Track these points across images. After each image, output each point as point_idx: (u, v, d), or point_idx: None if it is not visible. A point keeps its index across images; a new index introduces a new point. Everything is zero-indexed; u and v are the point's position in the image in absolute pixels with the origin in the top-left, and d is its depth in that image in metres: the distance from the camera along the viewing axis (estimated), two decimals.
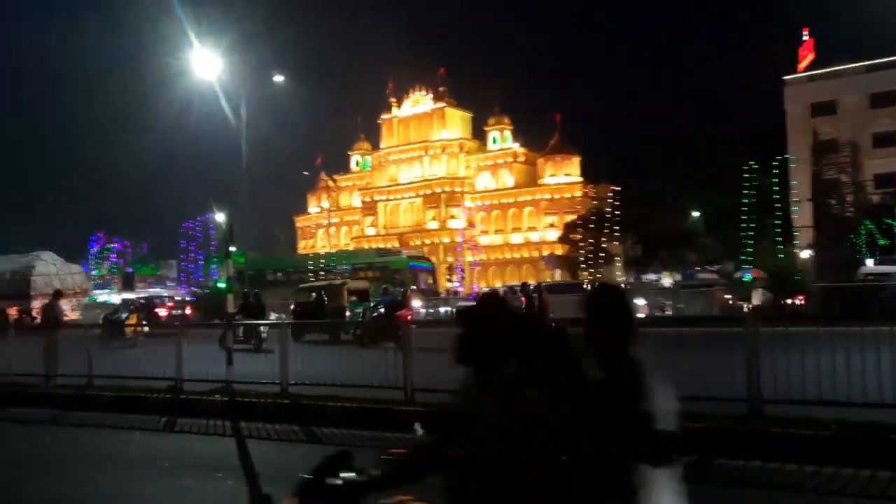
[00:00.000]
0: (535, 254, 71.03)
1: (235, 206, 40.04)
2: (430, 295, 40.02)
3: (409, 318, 18.61)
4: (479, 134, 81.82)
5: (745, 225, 46.96)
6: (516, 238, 75.56)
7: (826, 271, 37.69)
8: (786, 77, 58.80)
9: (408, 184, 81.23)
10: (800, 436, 7.13)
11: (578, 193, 72.88)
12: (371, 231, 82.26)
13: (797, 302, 27.94)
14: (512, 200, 76.37)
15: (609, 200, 70.10)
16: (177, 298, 42.23)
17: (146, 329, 22.28)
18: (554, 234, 69.60)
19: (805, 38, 59.21)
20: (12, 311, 35.45)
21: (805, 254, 47.29)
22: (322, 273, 44.21)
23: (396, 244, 66.78)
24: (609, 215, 61.67)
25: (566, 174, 74.25)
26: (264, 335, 16.93)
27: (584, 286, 31.06)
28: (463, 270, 69.87)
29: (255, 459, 7.98)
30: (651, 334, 10.02)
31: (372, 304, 23.88)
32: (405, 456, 2.61)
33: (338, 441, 8.71)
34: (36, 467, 8.17)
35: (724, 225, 48.26)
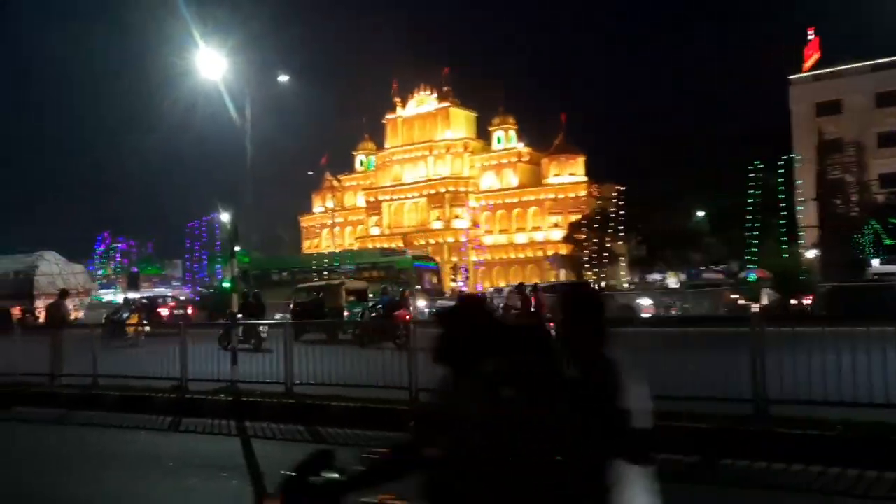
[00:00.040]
0: (540, 254, 70.96)
1: (240, 206, 40.06)
2: (435, 295, 40.01)
3: (407, 318, 18.68)
4: (483, 134, 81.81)
5: (749, 225, 46.85)
6: (521, 238, 75.51)
7: (831, 271, 37.60)
8: (791, 76, 58.66)
9: (412, 183, 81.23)
10: (805, 436, 7.11)
11: (583, 193, 72.79)
12: (375, 231, 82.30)
13: (805, 302, 27.84)
14: (516, 200, 76.31)
15: (614, 200, 70.04)
16: (180, 298, 42.27)
17: (147, 329, 22.38)
18: (558, 234, 69.54)
19: (810, 37, 59.11)
20: (16, 311, 35.58)
21: (810, 254, 47.17)
22: (326, 273, 44.22)
23: (401, 244, 66.83)
24: (614, 215, 61.62)
25: (571, 174, 74.18)
26: (264, 335, 16.99)
27: (588, 286, 30.99)
28: (467, 270, 69.86)
29: (261, 459, 7.99)
30: (657, 334, 10.07)
31: (370, 305, 23.99)
32: (384, 455, 2.63)
33: (342, 441, 8.72)
34: (42, 466, 8.19)
35: (728, 225, 48.14)
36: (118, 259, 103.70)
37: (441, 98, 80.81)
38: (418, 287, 39.16)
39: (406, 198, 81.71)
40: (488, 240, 77.46)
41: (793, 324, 9.32)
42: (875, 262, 38.25)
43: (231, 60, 20.21)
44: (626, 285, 47.60)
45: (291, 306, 25.97)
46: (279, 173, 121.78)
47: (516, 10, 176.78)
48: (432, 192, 78.97)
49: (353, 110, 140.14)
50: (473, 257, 76.66)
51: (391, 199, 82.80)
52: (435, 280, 45.59)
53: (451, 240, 76.73)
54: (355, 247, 75.61)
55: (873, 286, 26.17)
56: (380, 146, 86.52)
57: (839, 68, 56.10)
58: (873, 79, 54.63)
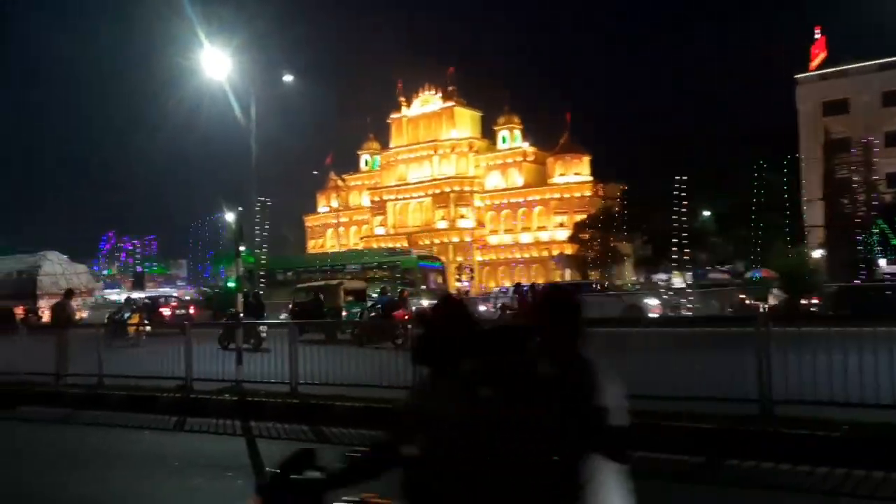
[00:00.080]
0: (545, 253, 70.94)
1: (245, 205, 40.12)
2: (440, 294, 39.95)
3: (406, 318, 18.76)
4: (488, 133, 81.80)
5: (755, 224, 46.72)
6: (526, 238, 75.45)
7: (838, 271, 37.46)
8: (797, 75, 58.44)
9: (417, 183, 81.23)
10: (811, 437, 7.08)
11: (588, 193, 72.70)
12: (380, 231, 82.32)
13: (814, 302, 27.72)
14: (521, 200, 76.25)
15: (619, 200, 69.96)
16: (185, 298, 42.36)
17: (148, 329, 22.47)
18: (564, 234, 69.48)
19: (817, 36, 58.86)
20: (19, 311, 35.69)
21: (817, 253, 46.99)
22: (331, 272, 44.23)
23: (405, 244, 66.80)
24: (619, 215, 61.49)
25: (576, 173, 74.08)
26: (263, 335, 17.05)
27: (594, 286, 30.94)
28: (472, 270, 69.83)
29: (265, 459, 7.98)
30: (664, 334, 10.03)
31: (369, 305, 24.07)
32: (364, 454, 2.68)
33: (346, 441, 8.72)
34: (46, 465, 8.21)
35: (734, 224, 48.04)
36: (123, 259, 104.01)
37: (446, 98, 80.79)
38: (423, 287, 39.14)
39: (411, 197, 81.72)
40: (493, 240, 77.44)
41: (799, 324, 9.27)
42: (882, 263, 38.10)
43: (236, 60, 20.24)
44: (629, 285, 47.43)
45: (290, 306, 26.10)
46: (284, 173, 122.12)
47: (522, 10, 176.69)
48: (437, 191, 78.94)
49: (357, 110, 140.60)
50: (478, 257, 76.66)
51: (396, 199, 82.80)
52: (440, 280, 45.54)
53: (455, 239, 76.73)
54: (360, 246, 75.66)
55: (879, 286, 26.09)
56: (384, 146, 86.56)
57: (846, 67, 55.88)
58: (880, 78, 54.38)
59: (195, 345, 12.46)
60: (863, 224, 44.35)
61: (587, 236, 63.13)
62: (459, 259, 71.54)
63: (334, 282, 27.83)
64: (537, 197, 75.10)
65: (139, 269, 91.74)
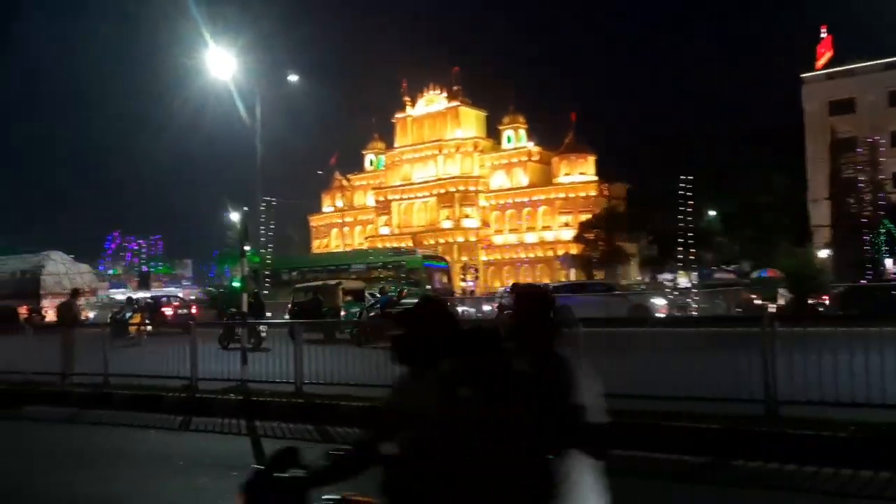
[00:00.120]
0: (550, 253, 70.86)
1: (250, 205, 40.20)
2: (445, 294, 40.00)
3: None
4: (493, 133, 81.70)
5: (761, 224, 46.58)
6: (531, 237, 75.35)
7: (844, 271, 37.35)
8: (803, 75, 58.25)
9: (422, 183, 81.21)
10: (817, 437, 7.05)
11: (593, 192, 72.57)
12: (385, 230, 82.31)
13: (823, 301, 27.64)
14: (526, 199, 76.14)
15: (624, 199, 69.82)
16: (190, 297, 42.46)
17: (149, 328, 22.55)
18: (569, 234, 69.40)
19: (823, 35, 58.67)
20: (22, 310, 35.86)
21: (823, 253, 46.86)
22: (337, 272, 44.28)
23: (410, 243, 66.82)
24: (624, 214, 61.39)
25: (581, 173, 73.94)
26: (263, 334, 17.14)
27: (604, 287, 30.86)
28: (477, 270, 69.82)
29: None
30: (671, 334, 10.02)
31: (368, 304, 24.14)
32: (346, 452, 2.75)
33: (351, 440, 8.71)
34: (52, 465, 8.23)
35: (740, 224, 47.91)
36: (129, 258, 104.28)
37: (451, 97, 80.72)
38: (428, 286, 39.16)
39: (415, 197, 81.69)
40: (498, 239, 77.38)
41: (805, 324, 9.25)
42: (889, 262, 37.97)
43: (241, 60, 20.29)
44: (638, 286, 47.37)
45: (290, 306, 26.23)
46: (289, 173, 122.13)
47: (526, 10, 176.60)
48: (442, 191, 78.90)
49: (362, 109, 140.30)
50: (483, 257, 76.61)
51: (401, 199, 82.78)
52: (445, 279, 45.57)
53: (460, 239, 76.70)
54: (365, 246, 75.67)
55: (885, 286, 26.03)
56: (389, 145, 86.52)
57: (852, 66, 55.66)
58: (887, 77, 54.17)
59: (200, 344, 12.49)
60: (869, 224, 44.24)
61: (592, 236, 63.06)
62: (464, 259, 71.47)
63: (333, 282, 27.95)
64: (542, 197, 74.99)
65: (144, 268, 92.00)
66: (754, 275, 42.59)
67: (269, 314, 28.24)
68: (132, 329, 21.31)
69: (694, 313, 28.52)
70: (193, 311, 35.06)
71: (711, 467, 7.15)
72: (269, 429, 9.70)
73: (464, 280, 58.91)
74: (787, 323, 8.82)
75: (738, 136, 50.42)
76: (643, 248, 63.92)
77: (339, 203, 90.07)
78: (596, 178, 73.80)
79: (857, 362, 7.40)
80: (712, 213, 50.93)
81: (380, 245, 70.71)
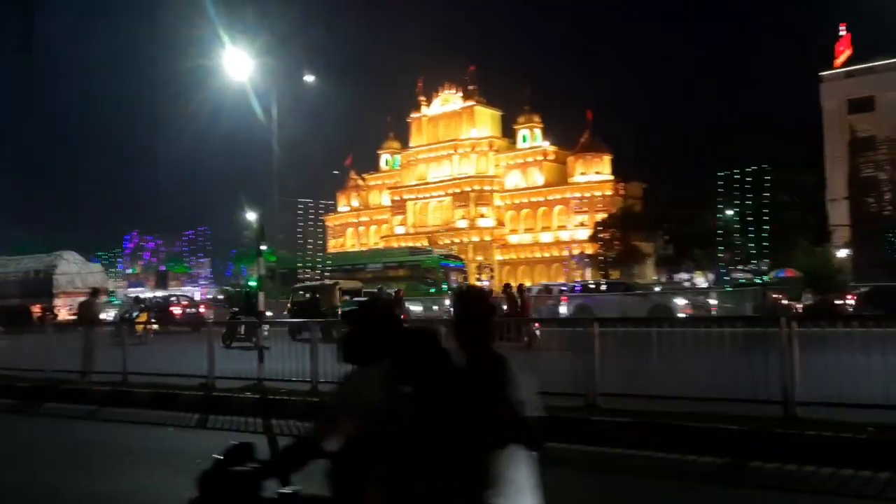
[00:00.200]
0: (565, 253, 70.69)
1: (267, 205, 40.40)
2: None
3: (402, 317, 18.78)
4: (508, 132, 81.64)
5: (779, 223, 46.19)
6: (546, 237, 75.22)
7: (864, 270, 36.95)
8: (822, 73, 57.68)
9: (437, 182, 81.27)
10: (836, 438, 6.98)
11: (609, 192, 72.33)
12: (400, 230, 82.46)
13: (849, 301, 27.32)
14: (542, 199, 76.04)
15: (640, 199, 69.51)
16: (206, 297, 42.77)
17: (156, 327, 22.79)
18: (584, 233, 69.21)
19: (842, 33, 58.09)
20: (36, 309, 36.29)
21: (842, 253, 46.41)
22: (353, 272, 44.43)
23: (425, 243, 66.90)
24: (640, 214, 61.11)
25: (597, 172, 73.69)
26: (265, 333, 17.39)
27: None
28: (492, 269, 69.75)
29: None
30: (691, 334, 9.94)
31: None
32: (293, 445, 2.90)
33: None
34: (72, 461, 8.31)
35: (757, 223, 47.55)
36: (147, 258, 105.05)
37: (466, 96, 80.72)
38: (445, 286, 39.21)
39: (431, 197, 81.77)
40: (513, 239, 77.29)
41: (824, 324, 9.16)
42: None
43: (258, 61, 20.41)
44: (657, 286, 47.11)
45: (289, 305, 26.48)
46: (306, 173, 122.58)
47: (542, 9, 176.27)
48: (457, 191, 78.93)
49: (378, 109, 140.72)
50: (498, 256, 76.54)
51: (416, 199, 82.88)
52: (461, 279, 45.60)
53: (475, 239, 76.70)
54: (380, 246, 75.85)
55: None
56: (405, 145, 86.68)
57: (871, 64, 55.03)
58: None
59: (217, 344, 12.58)
60: (888, 223, 43.77)
61: (608, 235, 62.86)
62: (479, 258, 71.47)
63: (330, 282, 28.34)
64: (558, 196, 74.82)
65: (162, 268, 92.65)
66: (772, 274, 42.27)
67: (269, 313, 28.55)
68: (138, 328, 21.50)
69: (714, 312, 28.30)
70: (202, 310, 35.37)
71: (729, 468, 7.10)
72: (286, 427, 9.74)
73: (479, 279, 58.92)
74: (806, 323, 8.71)
75: (756, 134, 49.89)
76: (659, 247, 63.62)
77: (355, 203, 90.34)
78: (612, 177, 73.54)
79: (876, 363, 7.32)
80: (729, 212, 50.60)
81: (395, 244, 70.86)
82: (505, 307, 19.19)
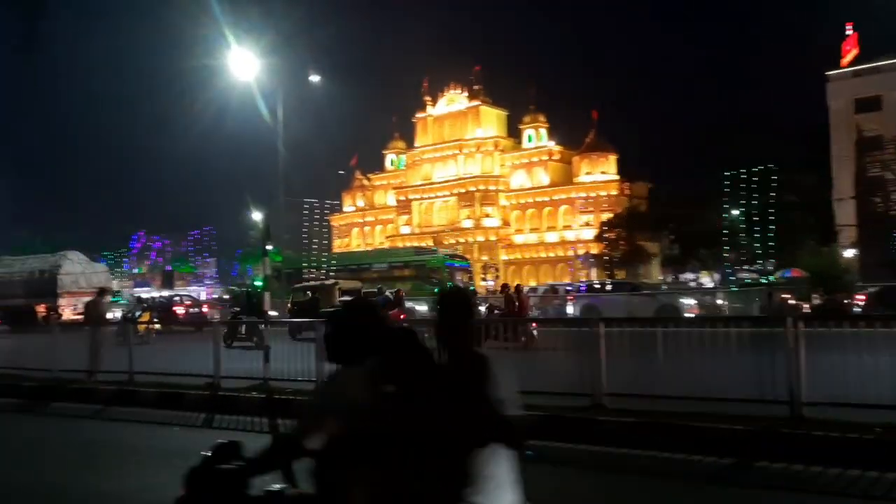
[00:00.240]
0: (571, 253, 70.59)
1: (273, 205, 40.50)
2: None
3: (401, 317, 18.87)
4: (514, 132, 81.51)
5: (786, 223, 46.03)
6: (551, 237, 75.12)
7: (871, 270, 36.82)
8: (829, 72, 57.45)
9: (442, 182, 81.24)
10: (843, 439, 6.96)
11: (615, 192, 72.19)
12: (405, 230, 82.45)
13: (858, 301, 27.24)
14: (547, 199, 75.92)
15: (646, 199, 69.39)
16: (212, 297, 42.90)
17: (157, 327, 22.89)
18: (590, 233, 69.09)
19: (849, 32, 57.83)
20: (40, 309, 36.42)
21: (848, 253, 46.23)
22: (358, 271, 44.45)
23: (431, 243, 66.88)
24: (646, 214, 60.98)
25: (602, 172, 73.54)
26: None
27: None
28: (497, 269, 69.68)
29: None
30: (697, 334, 9.92)
31: None
32: (276, 443, 2.97)
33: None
34: (78, 461, 8.34)
35: (763, 223, 47.40)
36: (153, 257, 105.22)
37: (471, 96, 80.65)
38: (450, 285, 39.15)
39: (436, 197, 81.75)
40: (519, 239, 77.22)
41: (831, 324, 9.12)
42: None
43: (264, 61, 20.44)
44: (664, 286, 47.02)
45: (289, 305, 26.54)
46: (311, 172, 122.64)
47: (548, 9, 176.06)
48: (462, 190, 78.88)
49: (383, 109, 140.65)
50: (503, 256, 76.49)
51: (421, 199, 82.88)
52: (467, 279, 45.55)
53: (481, 239, 76.65)
54: (385, 246, 75.84)
55: None
56: (410, 145, 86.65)
57: (878, 64, 54.75)
58: None
59: (222, 344, 12.60)
60: (895, 223, 43.59)
61: (613, 235, 62.73)
62: (485, 258, 71.41)
63: (329, 282, 28.40)
64: (563, 196, 74.69)
65: (168, 268, 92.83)
66: (778, 274, 42.13)
67: (274, 313, 28.67)
68: (141, 328, 21.60)
69: (723, 311, 28.21)
70: (205, 310, 35.45)
71: (735, 468, 7.09)
72: (291, 426, 9.74)
73: (484, 279, 58.88)
74: (813, 323, 8.68)
75: (762, 134, 49.73)
76: (665, 247, 63.49)
77: (360, 203, 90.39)
78: (617, 177, 73.39)
79: (884, 363, 7.29)
80: (735, 212, 50.48)
81: (400, 244, 70.84)
82: (502, 307, 19.22)
